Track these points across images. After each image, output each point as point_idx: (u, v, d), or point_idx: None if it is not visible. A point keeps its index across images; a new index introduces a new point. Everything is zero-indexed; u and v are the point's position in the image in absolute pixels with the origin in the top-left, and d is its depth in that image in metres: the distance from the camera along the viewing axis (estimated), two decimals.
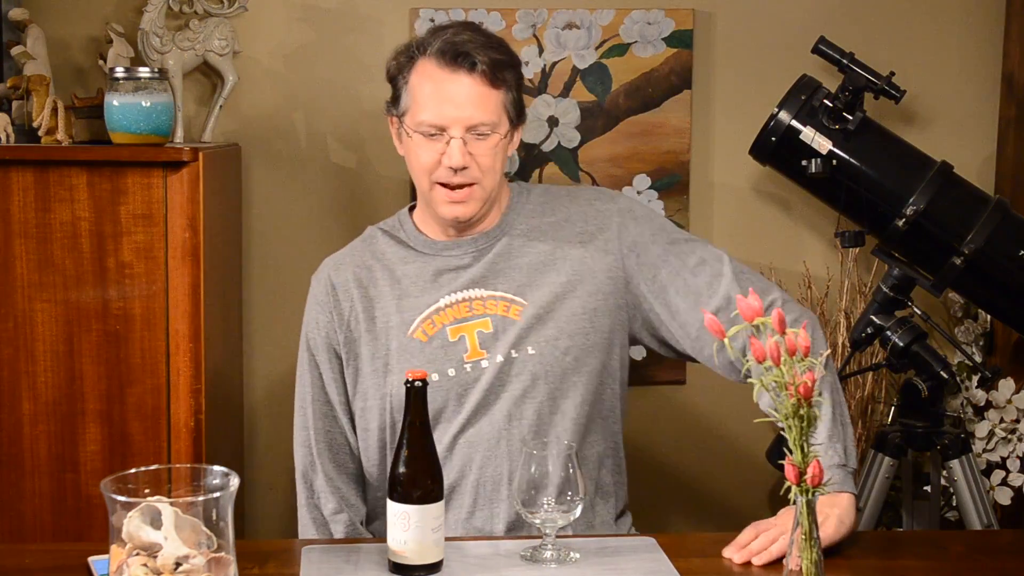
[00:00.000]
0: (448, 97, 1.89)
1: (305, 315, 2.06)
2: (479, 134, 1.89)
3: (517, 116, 1.95)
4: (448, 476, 1.89)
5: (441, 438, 1.90)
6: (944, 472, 2.51)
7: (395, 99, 1.98)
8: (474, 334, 1.91)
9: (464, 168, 1.89)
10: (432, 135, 1.90)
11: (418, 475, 1.59)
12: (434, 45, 1.90)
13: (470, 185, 1.91)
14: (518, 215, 2.02)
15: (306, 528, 1.98)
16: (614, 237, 1.97)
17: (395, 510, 1.58)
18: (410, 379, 1.61)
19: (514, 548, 1.70)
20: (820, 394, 1.76)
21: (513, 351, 1.90)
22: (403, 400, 1.81)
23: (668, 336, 1.98)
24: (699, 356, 1.97)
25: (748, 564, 1.68)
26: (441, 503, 1.61)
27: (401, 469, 1.59)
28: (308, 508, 1.97)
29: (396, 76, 1.96)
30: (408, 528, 1.57)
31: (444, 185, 1.91)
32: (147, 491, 1.40)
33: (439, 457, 1.78)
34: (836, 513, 1.72)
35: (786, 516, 1.72)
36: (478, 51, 1.88)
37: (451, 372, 1.91)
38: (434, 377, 1.89)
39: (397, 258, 2.01)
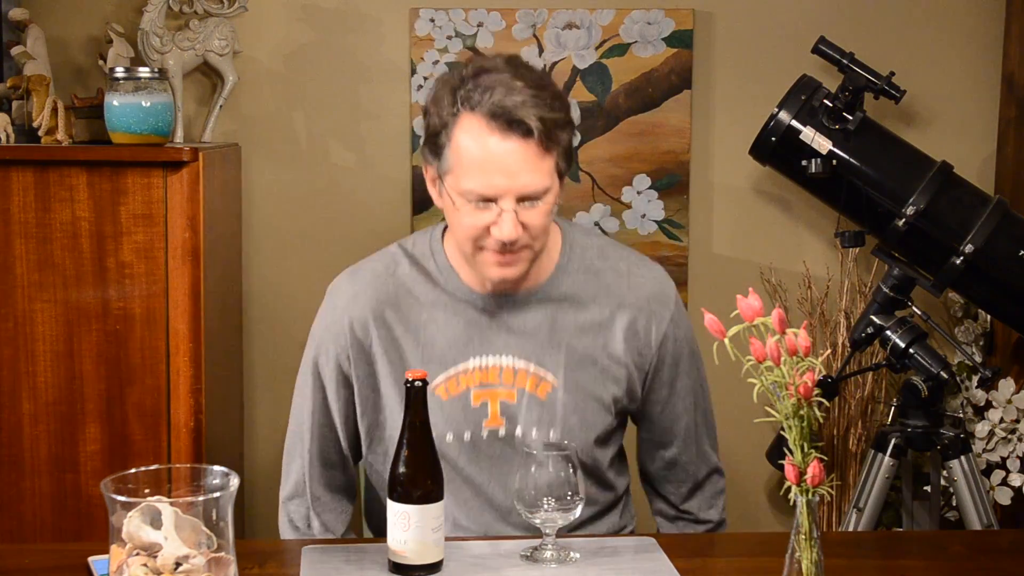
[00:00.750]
0: (499, 167, 1.69)
1: (315, 335, 1.91)
2: (532, 202, 1.72)
3: (568, 167, 1.78)
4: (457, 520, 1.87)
5: (457, 496, 1.86)
6: (944, 472, 2.51)
7: (435, 150, 1.76)
8: (498, 403, 1.82)
9: (516, 240, 1.73)
10: (480, 205, 1.72)
11: (418, 475, 1.59)
12: (484, 104, 1.69)
13: (521, 249, 1.76)
14: (568, 278, 1.87)
15: (284, 530, 1.94)
16: (654, 344, 1.88)
17: (395, 510, 1.58)
18: (410, 379, 1.60)
19: (514, 548, 1.70)
20: None
21: (535, 430, 1.83)
22: None
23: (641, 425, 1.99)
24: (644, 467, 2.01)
25: (747, 561, 1.67)
26: (441, 503, 1.60)
27: (401, 469, 1.59)
28: (287, 521, 1.93)
29: (439, 129, 1.74)
30: (408, 528, 1.57)
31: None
32: (147, 491, 1.40)
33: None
34: None
35: None
36: (533, 113, 1.68)
37: (467, 436, 1.83)
38: (448, 438, 1.83)
39: (426, 299, 1.85)
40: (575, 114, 2.86)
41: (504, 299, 1.84)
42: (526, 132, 1.68)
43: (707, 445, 1.97)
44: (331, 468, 1.91)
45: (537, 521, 1.63)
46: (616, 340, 1.86)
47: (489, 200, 1.71)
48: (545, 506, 1.62)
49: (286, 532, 1.92)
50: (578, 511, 1.64)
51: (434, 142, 1.75)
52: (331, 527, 1.91)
